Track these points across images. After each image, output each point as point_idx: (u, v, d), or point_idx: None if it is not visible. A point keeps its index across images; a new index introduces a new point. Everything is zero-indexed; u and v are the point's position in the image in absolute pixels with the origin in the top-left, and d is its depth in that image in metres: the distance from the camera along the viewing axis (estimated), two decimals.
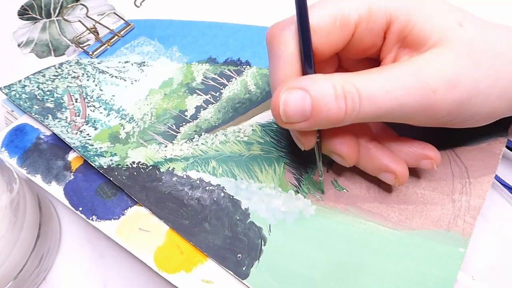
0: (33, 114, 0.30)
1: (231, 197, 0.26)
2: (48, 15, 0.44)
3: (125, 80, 0.33)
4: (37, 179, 0.27)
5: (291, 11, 0.21)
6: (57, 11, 0.44)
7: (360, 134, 0.24)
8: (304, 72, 0.21)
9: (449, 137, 0.26)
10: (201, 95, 0.32)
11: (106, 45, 0.36)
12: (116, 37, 0.37)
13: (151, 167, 0.27)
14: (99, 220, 0.25)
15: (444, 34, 0.20)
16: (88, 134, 0.29)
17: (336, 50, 0.22)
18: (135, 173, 0.27)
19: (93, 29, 0.37)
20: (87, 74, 0.34)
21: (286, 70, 0.21)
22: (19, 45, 0.41)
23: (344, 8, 0.21)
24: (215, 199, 0.26)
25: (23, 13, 0.44)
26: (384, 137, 0.24)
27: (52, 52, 0.40)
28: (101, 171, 0.27)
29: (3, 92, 0.31)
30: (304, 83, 0.19)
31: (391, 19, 0.21)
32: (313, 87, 0.19)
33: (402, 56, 0.21)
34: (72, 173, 0.27)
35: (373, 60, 0.24)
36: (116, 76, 0.34)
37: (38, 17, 0.44)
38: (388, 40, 0.22)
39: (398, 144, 0.24)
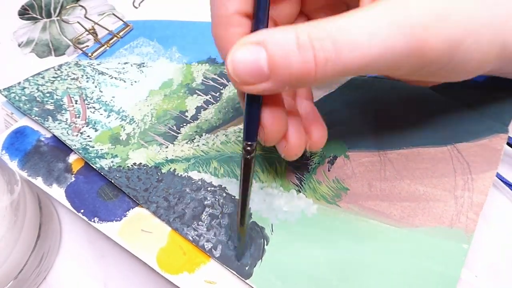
0: (33, 116, 0.30)
1: (233, 197, 0.26)
2: (49, 15, 0.43)
3: (124, 81, 0.33)
4: (38, 181, 0.27)
5: None
6: (57, 11, 0.44)
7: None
8: (256, 27, 0.18)
9: (450, 133, 0.26)
10: (201, 96, 0.32)
11: (105, 46, 0.36)
12: (115, 38, 0.37)
13: (152, 168, 0.27)
14: (101, 222, 0.25)
15: None
16: (88, 136, 0.29)
17: None
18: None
19: (92, 31, 0.37)
20: (86, 75, 0.34)
21: (235, 30, 0.18)
22: (19, 45, 0.41)
23: None
24: (217, 199, 0.25)
25: (23, 13, 0.44)
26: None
27: (53, 52, 0.40)
28: (102, 173, 0.27)
29: (2, 95, 0.31)
30: (259, 36, 0.16)
31: None
32: (270, 39, 0.16)
33: None
34: (73, 175, 0.27)
35: (344, 7, 0.21)
36: (115, 77, 0.34)
37: (39, 17, 0.44)
38: None
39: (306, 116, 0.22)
